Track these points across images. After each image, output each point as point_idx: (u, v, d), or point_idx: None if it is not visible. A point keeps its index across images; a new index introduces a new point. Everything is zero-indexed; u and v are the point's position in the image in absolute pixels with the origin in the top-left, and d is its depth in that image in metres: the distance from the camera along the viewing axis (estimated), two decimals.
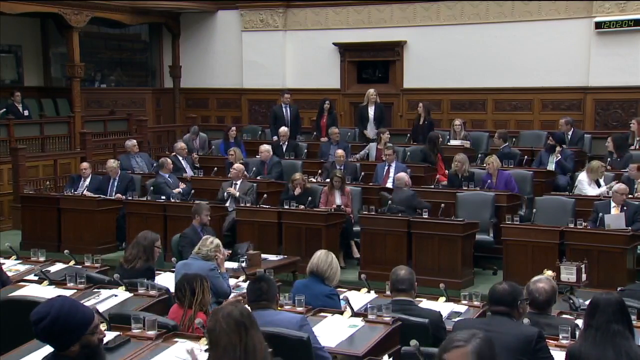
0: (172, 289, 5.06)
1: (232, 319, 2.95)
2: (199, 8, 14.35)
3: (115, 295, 5.10)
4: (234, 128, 11.97)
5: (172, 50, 14.83)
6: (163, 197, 9.24)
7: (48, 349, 2.84)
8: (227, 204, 9.20)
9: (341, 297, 4.92)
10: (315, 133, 12.24)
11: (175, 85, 14.86)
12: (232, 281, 5.94)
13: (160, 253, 6.03)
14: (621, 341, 3.46)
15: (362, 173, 9.99)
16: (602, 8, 11.38)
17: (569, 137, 10.50)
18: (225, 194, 9.31)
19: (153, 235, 5.78)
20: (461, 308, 5.03)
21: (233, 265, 6.71)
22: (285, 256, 7.61)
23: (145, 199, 9.43)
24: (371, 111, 11.55)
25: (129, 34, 15.79)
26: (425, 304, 5.09)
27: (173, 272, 5.86)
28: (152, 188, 9.59)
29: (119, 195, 9.61)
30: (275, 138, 11.58)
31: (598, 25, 11.33)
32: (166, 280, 5.83)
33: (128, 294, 5.11)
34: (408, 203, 8.40)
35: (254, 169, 10.32)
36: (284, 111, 11.85)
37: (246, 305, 3.69)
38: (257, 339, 2.98)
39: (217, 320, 2.97)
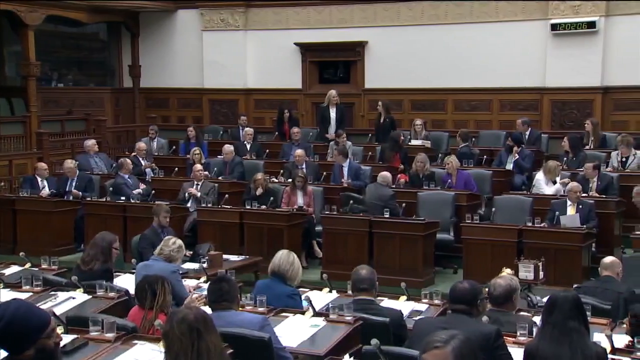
0: (132, 291, 4.99)
1: (186, 324, 2.94)
2: (158, 7, 14.19)
3: (73, 298, 5.01)
4: (191, 128, 11.89)
5: (131, 50, 14.63)
6: (123, 198, 9.13)
7: (2, 354, 2.77)
8: (188, 205, 9.14)
9: (303, 297, 4.91)
10: (276, 133, 12.23)
11: (135, 85, 14.67)
12: (193, 282, 5.90)
13: (119, 254, 5.95)
14: (577, 338, 3.52)
15: (324, 173, 10.01)
16: (557, 10, 11.60)
17: (527, 137, 10.67)
18: (187, 194, 9.25)
19: (111, 236, 5.70)
20: (422, 307, 5.08)
21: (194, 266, 6.67)
22: (247, 256, 7.57)
23: (104, 199, 9.29)
24: (332, 113, 11.57)
25: (87, 32, 15.53)
26: (386, 303, 5.12)
27: (133, 273, 5.78)
28: (111, 189, 9.46)
29: (75, 191, 9.46)
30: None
31: (554, 27, 11.54)
32: (126, 281, 5.76)
33: (86, 296, 5.03)
34: (385, 201, 8.43)
35: (216, 169, 10.26)
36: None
37: (204, 308, 3.66)
38: (212, 343, 2.95)
39: (172, 325, 2.96)
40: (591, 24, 11.30)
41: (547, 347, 3.53)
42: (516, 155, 9.77)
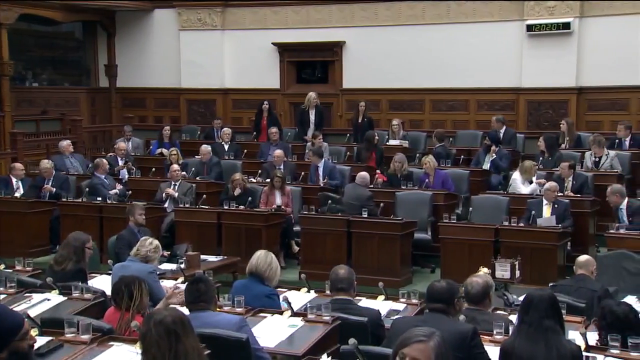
0: (109, 292, 4.94)
1: (163, 327, 2.91)
2: (134, 6, 14.09)
3: (48, 299, 4.96)
4: (167, 128, 11.83)
5: (107, 49, 14.51)
6: (99, 199, 9.05)
7: None
8: (166, 205, 9.09)
9: (281, 297, 4.91)
10: (254, 133, 12.20)
11: (111, 84, 14.55)
12: (170, 283, 5.86)
13: (95, 255, 5.90)
14: (552, 336, 3.55)
15: (302, 173, 10.00)
16: (533, 11, 11.71)
17: (502, 134, 10.75)
18: (164, 194, 9.19)
19: (84, 236, 5.65)
20: (400, 306, 5.09)
21: (172, 266, 6.63)
22: (225, 257, 7.54)
23: (80, 200, 9.20)
24: (312, 115, 11.55)
25: (62, 32, 15.36)
26: (364, 302, 5.13)
27: (109, 274, 5.73)
28: (87, 189, 9.37)
29: (47, 186, 9.36)
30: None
31: (529, 27, 11.65)
32: (102, 282, 5.71)
33: (62, 298, 4.98)
34: (362, 201, 8.44)
35: (193, 169, 10.22)
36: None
37: (181, 309, 3.64)
38: (190, 345, 2.94)
39: (149, 328, 2.93)
40: (566, 25, 11.42)
41: (523, 345, 3.56)
42: (493, 155, 9.84)
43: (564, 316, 4.24)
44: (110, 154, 11.08)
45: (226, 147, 11.36)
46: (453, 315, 3.92)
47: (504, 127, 10.87)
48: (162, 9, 14.09)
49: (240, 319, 4.11)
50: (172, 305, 4.36)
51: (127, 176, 10.38)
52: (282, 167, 9.86)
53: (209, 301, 4.14)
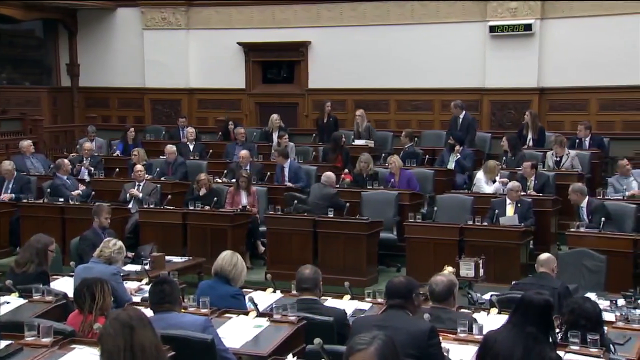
0: (71, 294, 4.87)
1: (118, 322, 2.88)
2: (96, 5, 13.90)
3: (8, 302, 4.86)
4: (132, 129, 11.71)
5: (69, 48, 14.29)
6: (61, 200, 8.91)
7: None
8: (130, 206, 9.00)
9: (247, 297, 4.89)
10: (220, 133, 12.14)
11: (74, 84, 14.34)
12: (134, 284, 5.81)
13: (58, 257, 5.80)
14: (534, 344, 3.50)
15: (268, 173, 9.98)
16: (495, 12, 11.85)
17: (460, 120, 10.84)
18: (128, 195, 9.10)
19: (47, 239, 5.57)
20: (365, 305, 5.11)
21: (136, 267, 6.56)
22: (190, 258, 7.50)
23: (41, 201, 9.05)
24: (275, 137, 11.49)
25: (22, 30, 15.04)
26: (330, 302, 5.14)
27: (72, 276, 5.65)
28: (49, 190, 9.23)
29: (5, 195, 9.19)
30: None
31: (492, 28, 11.78)
32: (64, 285, 5.62)
33: (22, 300, 4.89)
34: (328, 200, 8.46)
35: (158, 169, 10.13)
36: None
37: (141, 308, 3.61)
38: (147, 339, 2.90)
39: (105, 325, 2.90)
40: (528, 27, 11.58)
41: (504, 342, 3.55)
42: (458, 154, 9.94)
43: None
44: (73, 154, 10.92)
45: (191, 147, 11.28)
46: (412, 310, 3.91)
47: (463, 113, 10.95)
48: (125, 7, 13.92)
49: (205, 320, 4.08)
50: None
51: (87, 176, 10.23)
52: (248, 167, 9.83)
53: (174, 302, 4.11)
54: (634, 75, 11.07)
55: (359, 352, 2.35)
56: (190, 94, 13.76)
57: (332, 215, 8.11)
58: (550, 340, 3.60)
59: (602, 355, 3.86)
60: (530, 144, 10.55)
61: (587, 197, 7.90)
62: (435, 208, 8.47)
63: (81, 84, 14.34)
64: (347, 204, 8.44)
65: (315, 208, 8.47)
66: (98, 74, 14.10)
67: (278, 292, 5.43)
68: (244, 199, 8.90)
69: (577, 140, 10.21)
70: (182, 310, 4.34)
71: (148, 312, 4.05)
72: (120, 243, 5.66)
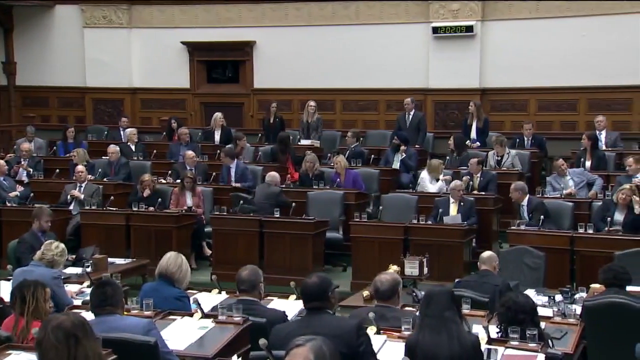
0: (7, 298, 4.74)
1: (61, 331, 2.80)
2: (33, 2, 13.54)
3: None
4: (72, 128, 11.46)
5: (5, 46, 13.87)
6: None
7: None
8: (71, 207, 8.82)
9: (191, 299, 4.84)
10: (164, 134, 11.98)
11: (10, 82, 13.92)
12: (75, 287, 5.69)
13: None
14: (453, 327, 3.66)
15: (213, 173, 9.91)
16: (438, 14, 12.04)
17: (411, 116, 10.98)
18: (69, 196, 8.91)
19: None
20: None
21: (77, 270, 6.43)
22: (134, 259, 7.39)
23: None
24: (217, 135, 11.41)
25: None
26: (275, 302, 5.14)
27: (9, 280, 5.49)
28: None
29: None
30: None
31: (435, 30, 11.96)
32: (1, 289, 5.46)
33: None
34: (273, 199, 8.45)
35: (100, 170, 9.94)
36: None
37: (82, 313, 3.53)
38: (91, 349, 2.83)
39: (46, 333, 2.80)
40: (469, 28, 11.80)
41: (426, 337, 3.65)
42: (403, 154, 10.05)
43: (468, 310, 4.40)
44: (10, 155, 10.62)
45: (133, 147, 11.09)
46: (331, 309, 3.89)
47: (413, 111, 11.09)
48: (63, 5, 13.61)
49: (148, 323, 4.02)
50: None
51: (25, 178, 9.97)
52: (192, 167, 9.73)
53: (116, 305, 4.03)
54: (571, 76, 11.40)
55: (296, 348, 2.38)
56: (133, 93, 13.55)
57: (278, 215, 8.11)
58: (463, 322, 3.80)
59: (540, 350, 3.96)
60: (475, 134, 10.73)
61: (528, 195, 8.10)
62: (381, 207, 8.55)
63: (18, 82, 13.94)
64: (294, 204, 8.44)
65: (261, 208, 8.45)
66: (36, 73, 13.73)
67: (223, 293, 5.39)
68: (189, 200, 8.82)
69: (517, 140, 10.45)
70: (125, 313, 4.27)
71: (89, 315, 3.98)
72: (62, 245, 5.57)
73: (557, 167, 8.82)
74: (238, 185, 9.44)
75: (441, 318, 3.66)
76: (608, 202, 7.73)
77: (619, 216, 7.46)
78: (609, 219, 7.40)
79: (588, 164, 9.33)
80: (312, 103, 11.39)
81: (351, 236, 7.98)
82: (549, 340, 4.26)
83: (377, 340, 4.11)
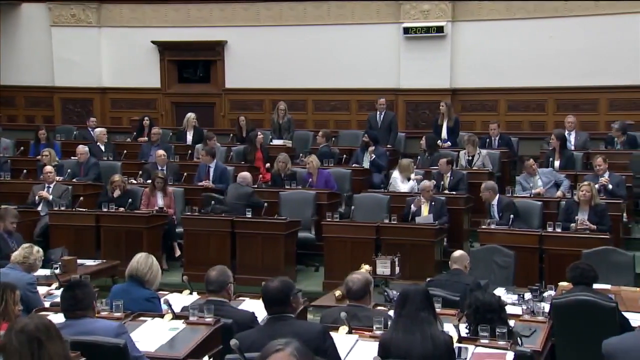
0: None
1: (25, 335, 2.76)
2: None
3: None
4: (43, 129, 11.31)
5: None
6: None
7: None
8: (39, 208, 8.70)
9: (162, 300, 4.80)
10: (135, 133, 11.86)
11: None
12: (44, 289, 5.61)
13: None
14: (427, 327, 3.70)
15: (185, 174, 9.84)
16: (408, 15, 12.11)
17: (382, 117, 11.01)
18: (37, 197, 8.79)
19: None
20: None
21: (46, 272, 6.33)
22: (104, 260, 7.32)
23: None
24: (189, 136, 11.34)
25: None
26: (247, 303, 5.12)
27: None
28: None
29: None
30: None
31: (406, 30, 12.03)
32: None
33: None
34: (246, 199, 8.42)
35: (69, 170, 9.82)
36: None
37: (51, 315, 3.48)
38: (55, 353, 2.80)
39: (9, 337, 2.77)
40: (440, 29, 11.88)
41: (400, 337, 3.67)
42: (372, 155, 10.08)
43: (439, 309, 4.43)
44: None
45: (103, 147, 10.97)
46: (292, 312, 3.87)
47: (384, 111, 11.14)
48: (30, 3, 13.43)
49: (119, 326, 3.97)
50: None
51: None
52: (164, 167, 9.66)
53: (87, 308, 3.97)
54: (540, 77, 11.56)
55: (276, 353, 2.36)
56: (103, 93, 13.40)
57: (250, 216, 8.08)
58: (437, 321, 3.82)
59: (509, 348, 4.01)
60: (446, 134, 10.82)
61: (498, 194, 8.18)
62: (353, 207, 8.57)
63: None
64: (265, 204, 8.43)
65: (233, 208, 8.42)
66: (3, 72, 13.50)
67: (195, 294, 5.37)
68: (160, 200, 8.75)
69: (487, 140, 10.55)
70: (96, 315, 4.22)
71: (57, 318, 3.93)
72: (41, 250, 5.55)
73: (528, 167, 8.92)
74: (213, 185, 9.37)
75: (416, 318, 3.68)
76: (570, 202, 7.83)
77: (582, 215, 7.57)
78: (576, 217, 7.51)
79: (557, 163, 9.45)
80: (282, 105, 11.37)
81: (323, 236, 7.99)
82: (518, 338, 4.31)
83: (348, 340, 4.12)
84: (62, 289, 4.48)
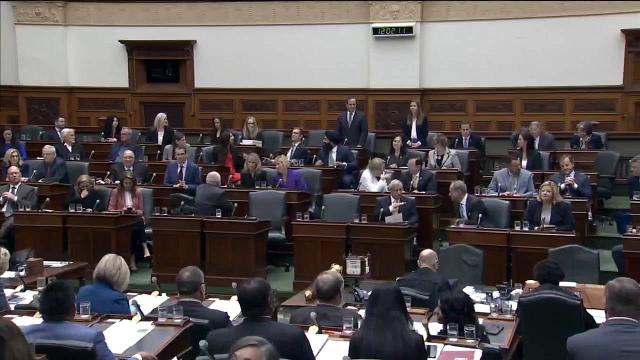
0: None
1: None
2: None
3: None
4: (9, 131, 11.12)
5: None
6: None
7: None
8: (4, 209, 8.57)
9: (130, 301, 4.76)
10: (103, 133, 11.73)
11: None
12: (9, 291, 5.51)
13: None
14: (399, 326, 3.71)
15: (154, 174, 9.76)
16: (378, 15, 12.16)
17: (352, 116, 11.03)
18: (2, 198, 8.65)
19: None
20: None
21: (10, 274, 6.23)
22: (71, 262, 7.22)
23: None
24: (160, 136, 11.24)
25: None
26: (217, 303, 5.10)
27: None
28: None
29: None
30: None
31: (375, 30, 12.08)
32: None
33: None
34: (216, 200, 8.38)
35: (35, 171, 9.67)
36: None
37: (15, 318, 3.42)
38: (18, 351, 2.76)
39: None
40: (409, 29, 11.95)
41: (371, 336, 3.68)
42: (334, 154, 10.09)
43: (408, 308, 4.45)
44: None
45: (70, 147, 10.82)
46: (269, 315, 3.82)
47: (355, 111, 11.17)
48: None
49: (97, 335, 3.82)
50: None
51: None
52: (132, 168, 9.57)
53: (66, 312, 3.85)
54: (507, 78, 11.69)
55: (250, 347, 2.36)
56: (69, 92, 13.23)
57: (219, 216, 8.05)
58: (408, 320, 3.85)
59: (477, 345, 4.05)
60: (415, 134, 10.88)
61: (467, 194, 8.25)
62: (323, 207, 8.58)
63: None
64: (235, 204, 8.40)
65: (202, 209, 8.37)
66: None
67: (164, 295, 5.33)
68: (128, 201, 8.67)
69: (457, 140, 10.64)
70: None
71: (22, 321, 3.86)
72: (8, 252, 5.43)
73: (513, 165, 8.86)
74: (186, 186, 9.30)
75: (387, 317, 3.69)
76: (534, 202, 7.91)
77: (545, 214, 7.67)
78: (542, 217, 7.61)
79: (524, 163, 9.55)
80: (250, 120, 11.29)
81: (293, 236, 7.99)
82: (486, 336, 4.36)
83: (318, 340, 4.12)
84: (42, 291, 4.33)
